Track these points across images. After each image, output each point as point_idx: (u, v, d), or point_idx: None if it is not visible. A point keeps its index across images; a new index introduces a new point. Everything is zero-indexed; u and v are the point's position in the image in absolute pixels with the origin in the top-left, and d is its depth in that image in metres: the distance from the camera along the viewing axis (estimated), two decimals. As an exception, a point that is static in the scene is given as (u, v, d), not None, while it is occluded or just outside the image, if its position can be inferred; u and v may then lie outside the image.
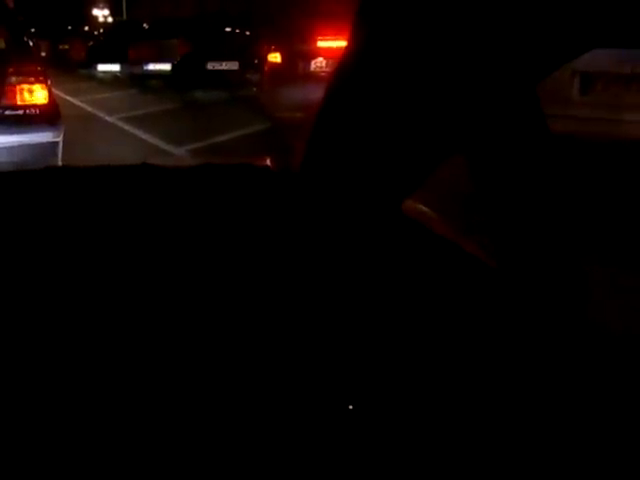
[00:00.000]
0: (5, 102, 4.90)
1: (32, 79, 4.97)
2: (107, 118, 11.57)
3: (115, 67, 19.98)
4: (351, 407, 0.78)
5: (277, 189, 1.09)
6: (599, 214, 4.17)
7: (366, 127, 0.92)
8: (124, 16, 35.56)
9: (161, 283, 0.91)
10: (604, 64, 5.24)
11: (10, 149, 4.81)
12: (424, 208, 1.14)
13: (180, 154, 8.13)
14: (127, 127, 10.47)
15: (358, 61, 0.89)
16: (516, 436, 0.76)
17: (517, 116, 0.93)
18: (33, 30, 25.53)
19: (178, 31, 16.55)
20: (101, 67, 20.58)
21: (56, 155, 5.04)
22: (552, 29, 0.74)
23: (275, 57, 9.38)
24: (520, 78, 0.83)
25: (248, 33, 16.16)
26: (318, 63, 8.83)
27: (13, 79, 4.91)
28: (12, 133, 4.85)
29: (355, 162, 0.96)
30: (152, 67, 17.06)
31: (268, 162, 1.25)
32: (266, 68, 9.72)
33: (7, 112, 4.90)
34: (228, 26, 16.40)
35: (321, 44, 8.87)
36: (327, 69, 8.56)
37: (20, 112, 4.91)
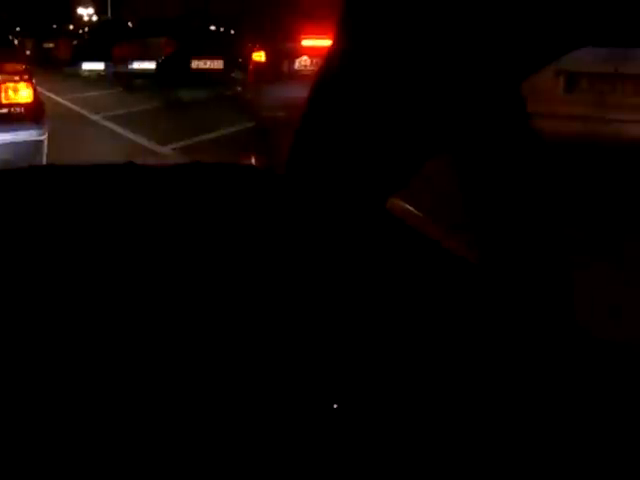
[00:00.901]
0: None
1: (16, 77, 4.94)
2: (92, 116, 11.52)
3: (100, 66, 19.92)
4: (335, 406, 0.78)
5: (262, 188, 1.09)
6: (584, 212, 4.19)
7: (351, 126, 0.92)
8: (109, 15, 35.44)
9: (149, 282, 0.91)
10: (589, 63, 5.26)
11: (-6, 147, 4.79)
12: (408, 206, 1.14)
13: (165, 152, 8.11)
14: (111, 125, 10.44)
15: (343, 60, 0.89)
16: (504, 437, 0.76)
17: (501, 114, 0.93)
18: (18, 29, 25.36)
19: (163, 30, 16.51)
20: (86, 66, 20.52)
21: (41, 153, 5.02)
22: (537, 28, 0.74)
23: (259, 56, 9.37)
24: (504, 76, 0.84)
25: (233, 32, 16.13)
26: (302, 62, 8.83)
27: None
28: None
29: (340, 161, 0.96)
30: (137, 66, 17.02)
31: (253, 161, 1.25)
32: (250, 67, 9.70)
33: None
34: (213, 25, 16.38)
35: (306, 43, 8.87)
36: (312, 68, 8.56)
37: (4, 111, 4.89)
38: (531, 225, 1.00)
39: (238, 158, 1.27)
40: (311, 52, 8.73)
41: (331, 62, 0.92)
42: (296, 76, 8.50)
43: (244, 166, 1.21)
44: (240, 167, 1.19)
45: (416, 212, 1.15)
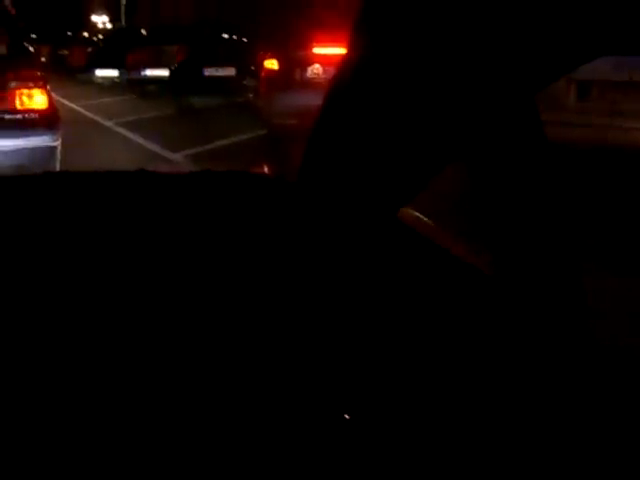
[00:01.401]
0: (5, 106, 4.91)
1: (32, 84, 4.98)
2: (105, 123, 11.56)
3: (113, 72, 20.01)
4: (347, 416, 0.78)
5: (274, 196, 1.10)
6: (596, 220, 4.18)
7: (364, 135, 0.93)
8: (123, 22, 35.58)
9: (159, 289, 0.91)
10: (600, 71, 5.24)
11: (9, 153, 4.82)
12: (420, 215, 1.14)
13: (177, 159, 8.12)
14: (124, 132, 10.48)
15: (357, 69, 0.89)
16: (511, 447, 0.77)
17: (516, 123, 0.93)
18: (33, 36, 25.52)
19: (176, 38, 16.57)
20: (99, 72, 20.62)
21: (54, 159, 5.05)
22: (553, 39, 0.74)
23: (271, 63, 9.36)
24: (520, 88, 0.84)
25: (245, 40, 16.17)
26: (314, 70, 8.82)
27: (13, 84, 4.92)
28: (11, 137, 4.86)
29: (353, 169, 0.96)
30: (150, 73, 17.08)
31: (265, 169, 1.25)
32: (262, 74, 9.68)
33: (7, 116, 4.91)
34: (225, 33, 16.43)
35: (317, 51, 8.86)
36: (324, 76, 8.54)
37: (19, 116, 4.92)
38: (544, 232, 1.00)
39: (250, 165, 1.27)
40: (323, 60, 8.72)
41: (345, 69, 0.93)
42: (308, 84, 8.50)
43: (255, 174, 1.21)
44: (251, 175, 1.19)
45: (427, 220, 1.15)
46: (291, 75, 8.94)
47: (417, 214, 1.13)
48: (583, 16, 0.71)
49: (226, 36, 16.38)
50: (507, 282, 0.99)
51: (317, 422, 0.77)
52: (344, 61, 0.92)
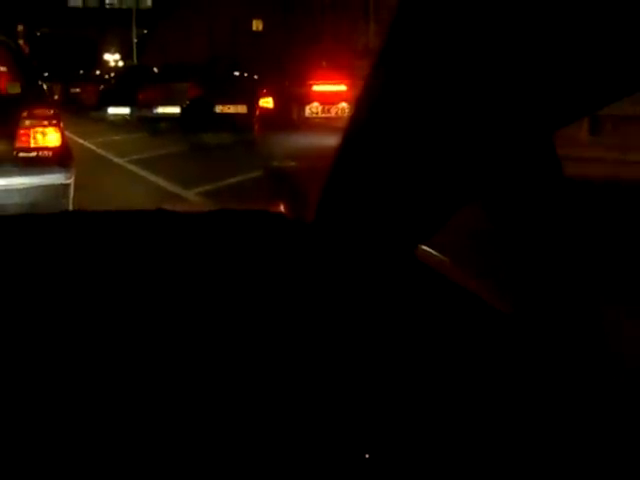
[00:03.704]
0: (19, 144, 4.97)
1: (46, 122, 5.04)
2: (116, 160, 11.67)
3: (125, 110, 20.24)
4: (367, 455, 0.78)
5: (292, 236, 1.10)
6: (612, 255, 4.16)
7: (383, 175, 0.93)
8: (134, 60, 36.10)
9: (179, 328, 0.91)
10: (613, 105, 5.24)
11: (22, 190, 4.86)
12: (437, 253, 1.14)
13: (189, 197, 8.15)
14: (136, 169, 10.56)
15: (377, 107, 0.89)
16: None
17: (534, 161, 0.94)
18: (46, 74, 25.89)
19: (187, 75, 16.75)
20: (111, 110, 20.87)
21: (67, 197, 5.08)
22: (575, 81, 0.74)
23: (266, 102, 9.14)
24: (541, 127, 0.84)
25: (256, 77, 16.34)
26: (313, 109, 8.67)
27: (27, 122, 4.98)
28: (25, 175, 4.90)
29: (371, 208, 0.97)
30: (161, 110, 17.26)
31: (282, 208, 1.25)
32: (257, 113, 9.46)
33: (20, 154, 4.96)
34: (237, 70, 16.61)
35: (317, 88, 8.71)
36: (323, 115, 8.42)
37: (33, 154, 4.98)
38: (561, 269, 0.99)
39: (262, 203, 1.28)
40: (322, 98, 8.56)
41: (363, 107, 0.93)
42: (306, 124, 8.34)
43: (273, 213, 1.22)
44: (269, 215, 1.20)
45: (443, 258, 1.15)
46: (288, 115, 8.77)
47: (434, 252, 1.12)
48: (606, 59, 0.71)
49: (237, 73, 16.55)
50: (525, 321, 0.98)
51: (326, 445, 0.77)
52: (362, 99, 0.92)
